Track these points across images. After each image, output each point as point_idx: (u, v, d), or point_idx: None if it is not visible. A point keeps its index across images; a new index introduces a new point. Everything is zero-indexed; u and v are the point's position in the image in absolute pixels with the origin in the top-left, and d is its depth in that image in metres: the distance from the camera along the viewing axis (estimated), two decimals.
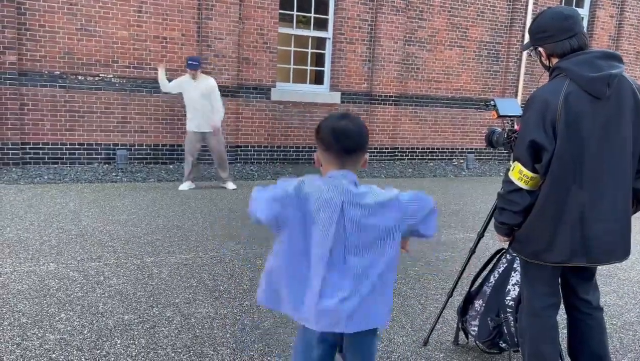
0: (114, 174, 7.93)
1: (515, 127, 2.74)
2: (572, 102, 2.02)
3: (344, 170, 1.71)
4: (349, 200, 1.66)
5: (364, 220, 1.66)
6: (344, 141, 1.69)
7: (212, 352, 2.89)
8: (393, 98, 10.39)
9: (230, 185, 7.44)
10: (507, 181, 2.18)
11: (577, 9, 11.90)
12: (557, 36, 2.13)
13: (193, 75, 6.96)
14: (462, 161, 11.24)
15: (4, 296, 3.47)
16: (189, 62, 6.92)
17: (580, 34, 2.12)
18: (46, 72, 7.95)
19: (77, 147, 8.31)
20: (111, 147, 8.50)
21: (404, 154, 10.81)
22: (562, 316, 2.45)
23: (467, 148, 11.43)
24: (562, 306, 2.39)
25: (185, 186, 7.22)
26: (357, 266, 1.67)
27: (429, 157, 11.10)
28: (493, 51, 11.24)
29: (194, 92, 6.96)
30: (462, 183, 8.96)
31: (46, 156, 8.14)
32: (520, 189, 2.14)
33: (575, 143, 2.04)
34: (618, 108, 2.06)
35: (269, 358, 2.86)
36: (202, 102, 6.95)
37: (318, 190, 1.67)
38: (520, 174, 2.12)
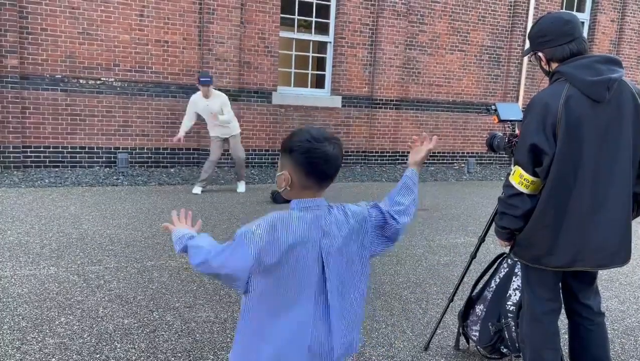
0: (114, 177, 7.93)
1: (516, 131, 2.74)
2: (573, 106, 2.02)
3: (318, 199, 1.57)
4: (326, 235, 1.55)
5: (342, 252, 1.58)
6: (331, 169, 1.55)
7: (212, 356, 2.88)
8: (394, 103, 10.39)
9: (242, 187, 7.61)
10: (508, 185, 2.18)
11: (578, 13, 11.94)
12: (556, 40, 2.14)
13: (205, 93, 6.95)
14: (463, 165, 11.23)
15: (4, 299, 3.47)
16: (202, 78, 6.89)
17: (580, 39, 2.13)
18: (48, 75, 7.97)
19: (78, 150, 8.31)
20: (112, 150, 8.51)
21: (405, 158, 10.80)
22: (563, 322, 2.44)
23: (468, 153, 11.43)
24: (563, 311, 2.39)
25: (198, 190, 7.30)
26: (339, 304, 1.58)
27: (430, 161, 11.09)
28: (494, 55, 11.25)
29: (208, 112, 7.03)
30: (463, 188, 8.95)
31: (47, 159, 8.15)
32: (521, 193, 2.14)
33: (576, 147, 2.03)
34: (618, 113, 2.06)
35: None
36: (219, 116, 6.99)
37: (294, 232, 1.51)
38: (520, 178, 2.12)
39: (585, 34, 12.03)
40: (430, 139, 1.88)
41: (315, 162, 1.52)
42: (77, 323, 3.18)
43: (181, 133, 7.25)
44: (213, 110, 6.97)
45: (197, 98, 7.09)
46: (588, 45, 2.18)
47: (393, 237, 1.72)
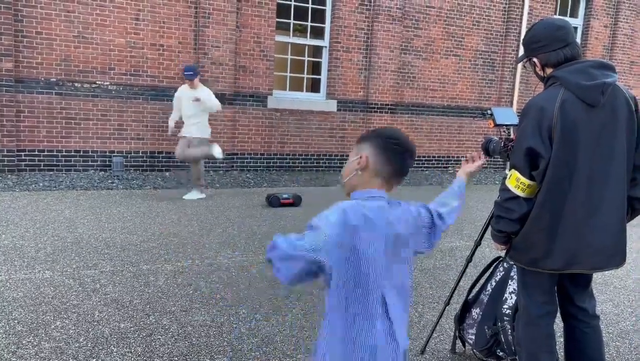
0: (110, 181, 7.91)
1: (512, 135, 2.75)
2: (568, 110, 2.05)
3: (382, 190, 1.60)
4: (390, 226, 1.56)
5: (397, 247, 1.58)
6: (407, 164, 1.62)
7: (208, 360, 2.88)
8: (389, 107, 10.43)
9: (190, 195, 7.15)
10: (504, 189, 2.19)
11: (571, 19, 12.01)
12: (550, 46, 2.17)
13: (190, 85, 6.93)
14: (457, 169, 11.26)
15: None
16: (184, 73, 6.93)
17: (573, 44, 2.16)
18: (42, 78, 7.94)
19: (73, 153, 8.29)
20: (107, 154, 8.49)
21: None
22: (559, 325, 2.46)
23: (462, 157, 11.47)
24: (559, 315, 2.40)
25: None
26: (396, 296, 1.59)
27: (425, 165, 11.13)
28: (488, 60, 11.31)
29: (188, 100, 6.95)
30: None
31: (42, 163, 8.12)
32: (517, 197, 2.15)
33: (571, 150, 2.06)
34: (612, 117, 2.08)
35: None
36: (193, 109, 6.91)
37: (362, 218, 1.50)
38: (517, 182, 2.14)
39: (578, 39, 12.13)
40: (480, 157, 2.06)
41: (400, 150, 1.59)
42: (73, 327, 3.17)
43: (171, 124, 7.26)
44: (200, 98, 6.86)
45: (182, 90, 7.05)
46: (582, 51, 2.22)
47: (435, 239, 1.77)
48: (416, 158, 1.68)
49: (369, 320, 1.52)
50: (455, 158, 11.39)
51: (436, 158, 11.20)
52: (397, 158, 1.59)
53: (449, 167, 11.34)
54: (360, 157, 1.58)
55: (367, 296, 1.52)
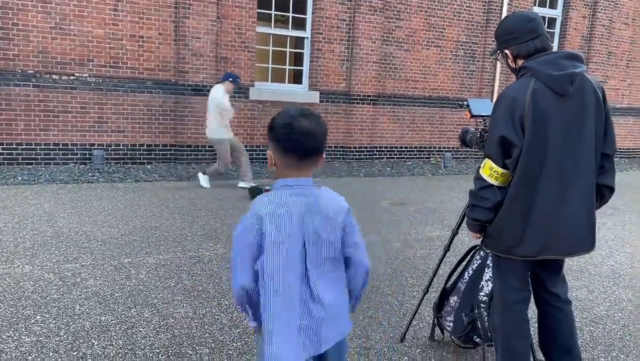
0: (90, 174, 7.83)
1: (487, 126, 2.80)
2: (539, 99, 2.10)
3: (302, 178, 1.61)
4: (309, 215, 1.59)
5: (323, 233, 1.61)
6: (306, 143, 1.57)
7: (190, 352, 2.89)
8: (371, 98, 10.46)
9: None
10: (478, 178, 2.25)
11: (550, 10, 12.14)
12: (522, 38, 2.22)
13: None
14: (439, 160, 11.37)
15: None
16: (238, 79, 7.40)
17: (543, 36, 2.22)
18: (19, 71, 7.81)
19: (52, 147, 8.18)
20: (87, 147, 8.40)
21: (383, 153, 10.90)
22: (534, 311, 2.52)
23: (444, 147, 11.57)
24: (533, 301, 2.46)
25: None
26: (321, 280, 1.62)
27: (407, 156, 11.20)
28: (469, 51, 11.39)
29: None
30: (439, 182, 9.07)
31: (20, 157, 8.01)
32: (491, 185, 2.20)
33: (542, 139, 2.11)
34: (581, 106, 2.14)
35: (247, 357, 2.88)
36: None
37: (275, 215, 1.56)
38: (490, 170, 2.19)
39: (557, 30, 12.27)
40: None
41: (291, 137, 1.56)
42: (54, 321, 3.16)
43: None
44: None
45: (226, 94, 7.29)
46: (551, 42, 2.28)
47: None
48: (320, 130, 1.61)
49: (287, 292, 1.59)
50: (437, 149, 11.49)
51: (418, 148, 11.28)
52: (292, 145, 1.57)
53: (430, 157, 11.43)
54: (268, 155, 1.64)
55: (281, 275, 1.58)
